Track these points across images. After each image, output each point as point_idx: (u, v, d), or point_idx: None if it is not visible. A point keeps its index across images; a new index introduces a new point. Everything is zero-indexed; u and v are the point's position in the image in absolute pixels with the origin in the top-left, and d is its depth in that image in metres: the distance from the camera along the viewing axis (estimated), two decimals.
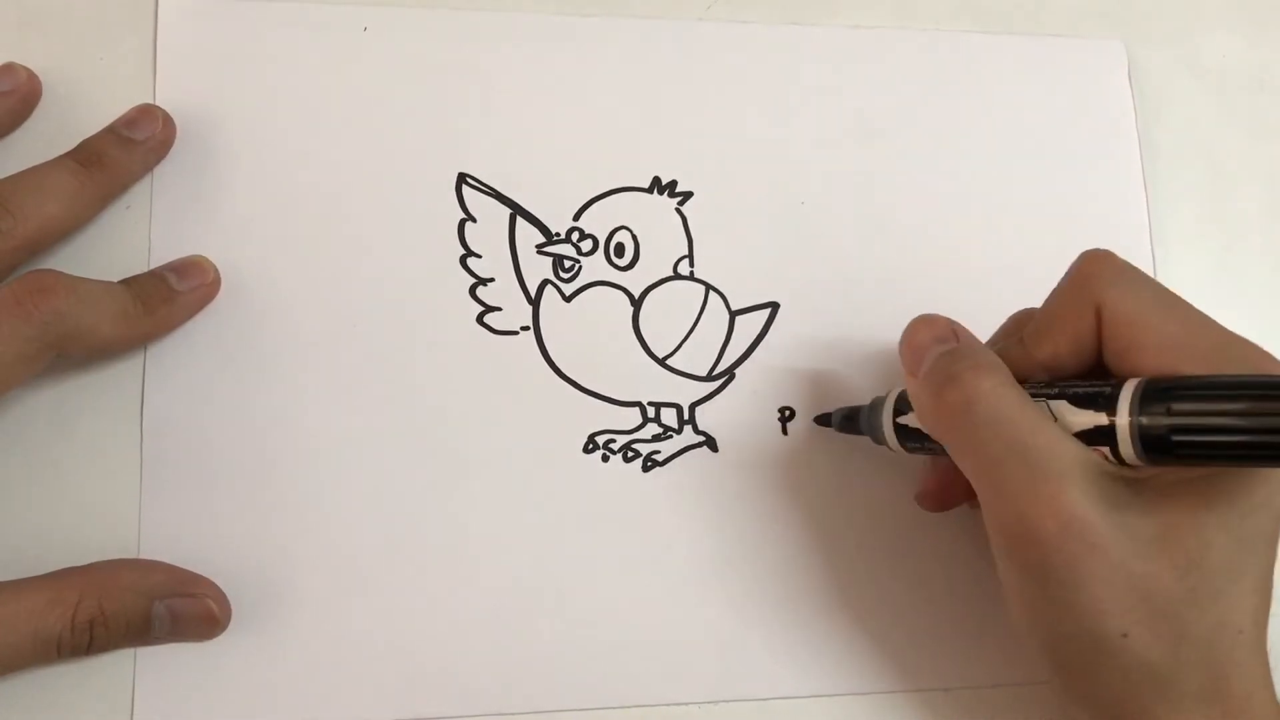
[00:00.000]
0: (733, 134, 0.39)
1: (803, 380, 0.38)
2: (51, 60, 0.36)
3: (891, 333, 0.37)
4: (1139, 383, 0.28)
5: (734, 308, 0.38)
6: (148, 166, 0.36)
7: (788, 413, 0.38)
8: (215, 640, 0.33)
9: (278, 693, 0.34)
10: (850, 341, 0.38)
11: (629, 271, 0.38)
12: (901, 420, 0.33)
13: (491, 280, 0.37)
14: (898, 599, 0.37)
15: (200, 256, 0.35)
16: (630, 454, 0.37)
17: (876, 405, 0.35)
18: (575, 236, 0.38)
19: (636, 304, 0.38)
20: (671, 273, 0.38)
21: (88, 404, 0.34)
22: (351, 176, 0.37)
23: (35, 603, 0.30)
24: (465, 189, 0.37)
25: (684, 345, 0.38)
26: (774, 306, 0.38)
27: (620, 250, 0.38)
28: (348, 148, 0.37)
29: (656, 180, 0.39)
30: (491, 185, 0.38)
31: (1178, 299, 0.30)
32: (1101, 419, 0.28)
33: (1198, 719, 0.28)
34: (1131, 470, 0.28)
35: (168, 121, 0.36)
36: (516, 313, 0.37)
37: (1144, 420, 0.27)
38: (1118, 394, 0.28)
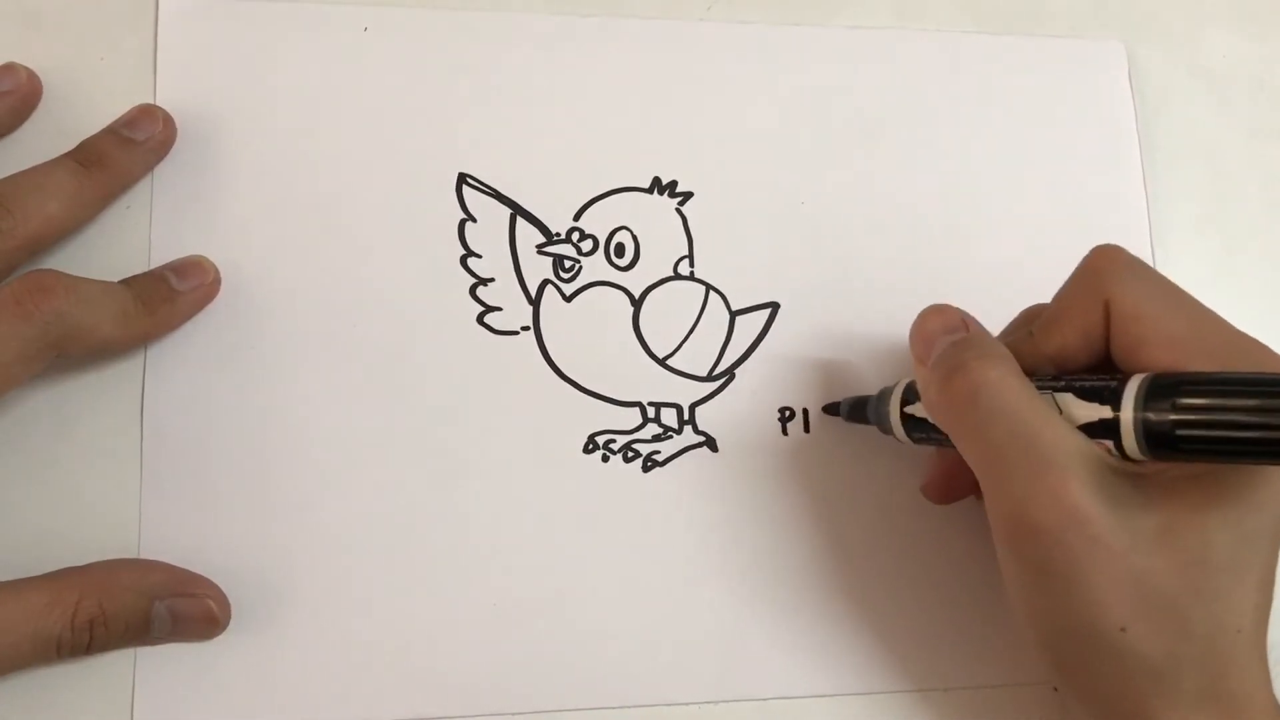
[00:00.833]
0: (733, 134, 0.39)
1: (803, 380, 0.38)
2: (52, 60, 0.36)
3: (891, 332, 0.38)
4: (1145, 378, 0.28)
5: (734, 308, 0.38)
6: (148, 166, 0.36)
7: (788, 413, 0.38)
8: (215, 640, 0.33)
9: (278, 693, 0.34)
10: (850, 341, 0.38)
11: (629, 271, 0.38)
12: (909, 410, 0.33)
13: (492, 280, 0.37)
14: (898, 599, 0.37)
15: (200, 256, 0.35)
16: (630, 454, 0.37)
17: (884, 395, 0.35)
18: (575, 236, 0.38)
19: (637, 304, 0.38)
20: (672, 273, 0.38)
21: (88, 404, 0.34)
22: (351, 176, 0.37)
23: (35, 603, 0.30)
24: (465, 189, 0.37)
25: (684, 345, 0.38)
26: (774, 306, 0.38)
27: (620, 250, 0.38)
28: (348, 148, 0.37)
29: (656, 180, 0.39)
30: (492, 185, 0.38)
31: (1186, 295, 0.30)
32: (1106, 412, 0.28)
33: (1195, 716, 0.28)
34: (1135, 465, 0.28)
35: (168, 122, 0.36)
36: (517, 313, 0.37)
37: (1148, 415, 0.27)
38: (1123, 388, 0.28)
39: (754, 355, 0.38)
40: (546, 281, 0.37)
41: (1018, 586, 0.30)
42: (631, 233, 0.38)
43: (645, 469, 0.37)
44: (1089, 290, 0.31)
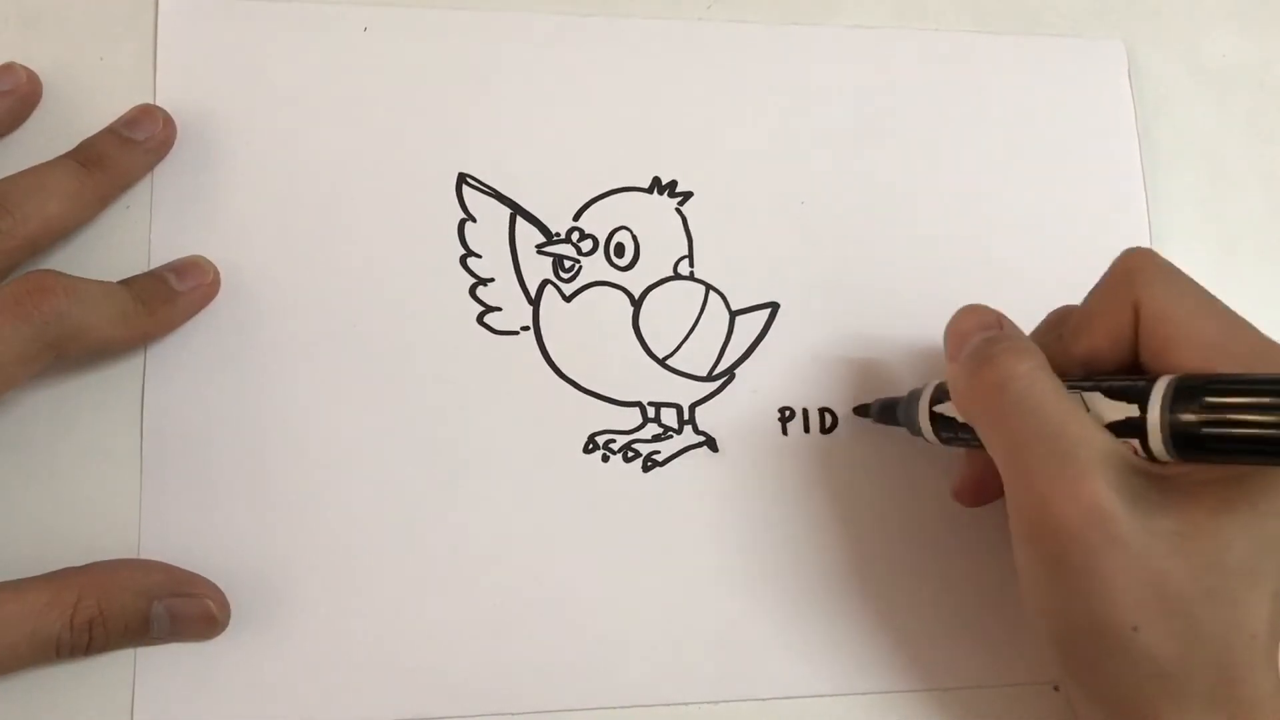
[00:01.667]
0: (733, 134, 0.39)
1: (803, 380, 0.38)
2: (52, 60, 0.36)
3: (892, 331, 0.38)
4: (1172, 378, 0.28)
5: (734, 308, 0.38)
6: (148, 167, 0.36)
7: (788, 413, 0.38)
8: (215, 640, 0.33)
9: (278, 693, 0.34)
10: (850, 341, 0.38)
11: (629, 271, 0.38)
12: (938, 409, 0.34)
13: (491, 280, 0.37)
14: (898, 599, 0.37)
15: (200, 256, 0.35)
16: (630, 454, 0.37)
17: (914, 396, 0.35)
18: (575, 236, 0.38)
19: (636, 304, 0.38)
20: (671, 273, 0.38)
21: (88, 404, 0.34)
22: (351, 176, 0.37)
23: (34, 603, 0.30)
24: (465, 189, 0.37)
25: (684, 345, 0.38)
26: (774, 306, 0.38)
27: (620, 250, 0.38)
28: (348, 148, 0.37)
29: (656, 180, 0.39)
30: (491, 185, 0.38)
31: (1216, 300, 0.30)
32: (1133, 411, 0.28)
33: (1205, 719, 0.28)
34: (1159, 467, 0.28)
35: (168, 122, 0.36)
36: (516, 313, 0.37)
37: (1175, 414, 0.27)
38: (1151, 388, 0.28)
39: (754, 355, 0.38)
40: (546, 281, 0.37)
41: (1032, 580, 0.30)
42: (631, 233, 0.38)
43: (645, 469, 0.37)
44: (1119, 293, 0.31)
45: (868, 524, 0.37)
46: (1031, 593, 0.30)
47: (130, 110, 0.36)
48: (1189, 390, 0.27)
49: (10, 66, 0.35)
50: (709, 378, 0.38)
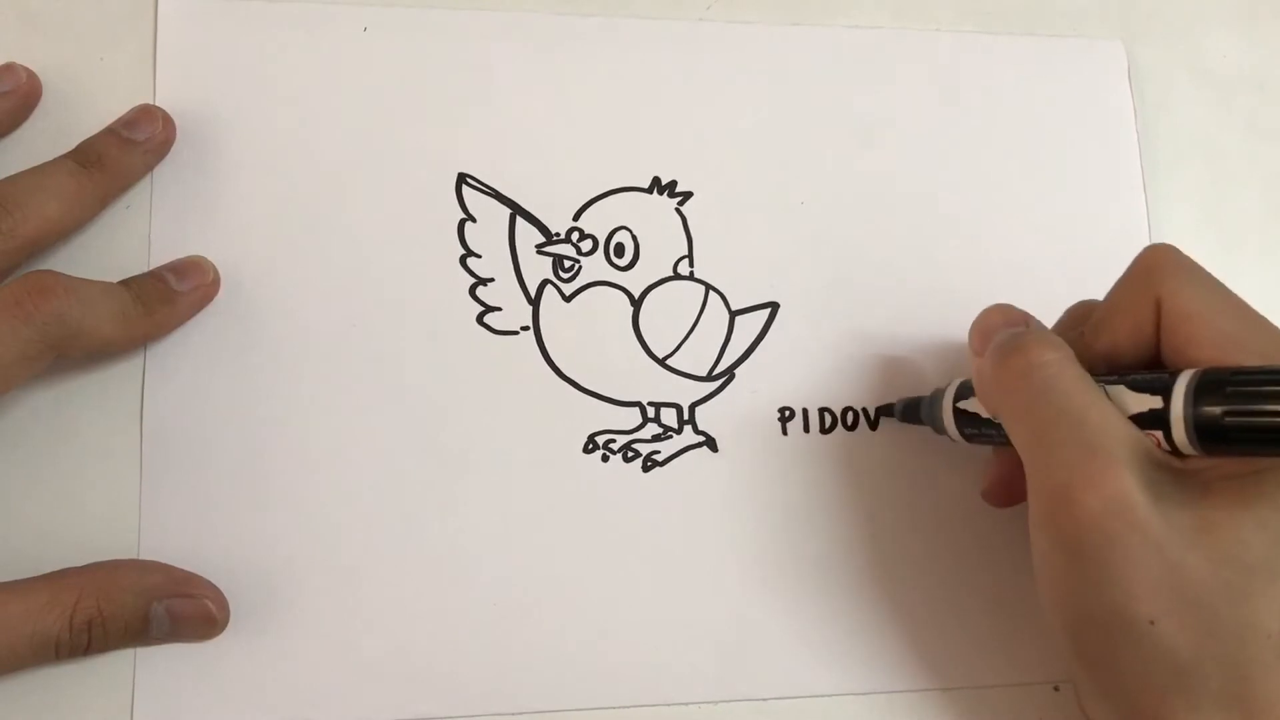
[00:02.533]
0: (733, 134, 0.39)
1: (803, 380, 0.38)
2: (51, 60, 0.36)
3: (892, 331, 0.38)
4: (1196, 371, 0.28)
5: (734, 308, 0.38)
6: (148, 167, 0.36)
7: (788, 413, 0.38)
8: (215, 640, 0.33)
9: (278, 693, 0.34)
10: (850, 341, 0.38)
11: (629, 271, 0.38)
12: (962, 405, 0.34)
13: (491, 280, 0.37)
14: (897, 599, 0.37)
15: (200, 257, 0.35)
16: (630, 454, 0.37)
17: (937, 394, 0.35)
18: (575, 236, 0.38)
19: (636, 304, 0.38)
20: (671, 273, 0.38)
21: (88, 404, 0.34)
22: (351, 176, 0.37)
23: (33, 604, 0.30)
24: (465, 189, 0.37)
25: (684, 345, 0.38)
26: (774, 306, 0.38)
27: (620, 250, 0.38)
28: (348, 148, 0.37)
29: (656, 180, 0.39)
30: (491, 185, 0.38)
31: (1237, 296, 0.31)
32: (1157, 403, 0.28)
33: (1216, 717, 0.28)
34: (1180, 461, 0.28)
35: (168, 122, 0.36)
36: (516, 313, 0.37)
37: (1199, 407, 0.27)
38: (1174, 381, 0.28)
39: (754, 355, 0.38)
40: (546, 281, 0.37)
41: (1049, 570, 0.30)
42: (631, 233, 0.38)
43: (645, 469, 0.37)
44: (1140, 288, 0.31)
45: (867, 524, 0.37)
46: (1047, 582, 0.30)
47: (130, 110, 0.36)
48: (1212, 382, 0.27)
49: (10, 66, 0.35)
50: (709, 378, 0.38)
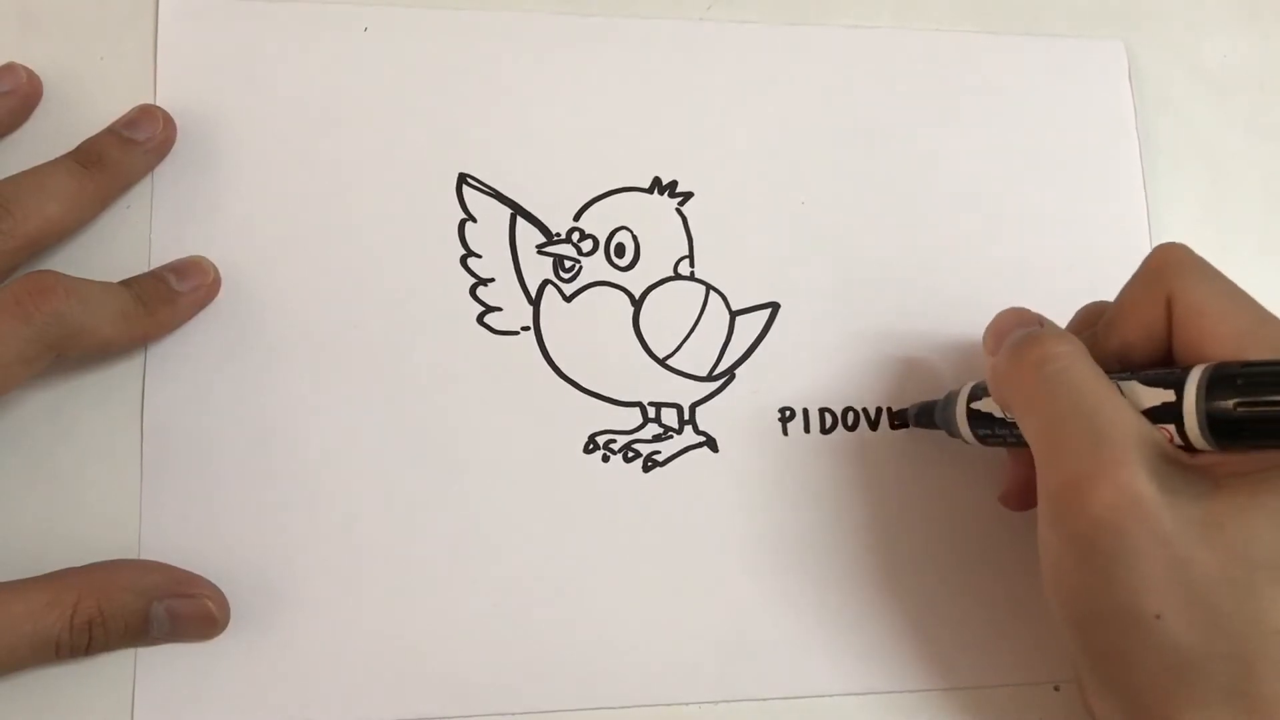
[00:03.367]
0: (733, 134, 0.39)
1: (803, 380, 0.38)
2: (52, 60, 0.36)
3: (892, 332, 0.38)
4: (1208, 365, 0.28)
5: (734, 308, 0.38)
6: (148, 167, 0.36)
7: (788, 413, 0.38)
8: (216, 640, 0.33)
9: (278, 693, 0.34)
10: (850, 341, 0.38)
11: (629, 272, 0.38)
12: (975, 405, 0.34)
13: (492, 280, 0.37)
14: (898, 599, 0.37)
15: (200, 257, 0.35)
16: (630, 454, 0.37)
17: (952, 396, 0.35)
18: (576, 236, 0.38)
19: (637, 304, 0.38)
20: (672, 273, 0.38)
21: (88, 404, 0.34)
22: (352, 176, 0.37)
23: (34, 604, 0.30)
24: (466, 189, 0.37)
25: (684, 345, 0.38)
26: (774, 306, 0.38)
27: (621, 250, 0.38)
28: (348, 148, 0.37)
29: (657, 180, 0.39)
30: (492, 185, 0.38)
31: (1247, 294, 0.31)
32: (1169, 396, 0.28)
33: (1221, 714, 0.28)
34: (1191, 456, 0.29)
35: (168, 122, 0.36)
36: (517, 313, 0.37)
37: (1212, 401, 0.27)
38: (1187, 375, 0.28)
39: (754, 355, 0.38)
40: (547, 281, 0.37)
41: (1057, 564, 0.30)
42: (632, 233, 0.38)
43: (645, 469, 0.37)
44: (1151, 286, 0.31)
45: (868, 524, 0.37)
46: (1055, 576, 0.30)
47: (130, 110, 0.36)
48: (1225, 376, 0.27)
49: (11, 66, 0.35)
50: (709, 378, 0.38)
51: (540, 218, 0.38)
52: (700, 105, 0.39)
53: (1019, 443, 0.31)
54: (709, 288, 0.38)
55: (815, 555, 0.37)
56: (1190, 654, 0.27)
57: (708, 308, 0.38)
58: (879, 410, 0.38)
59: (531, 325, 0.37)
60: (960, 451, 0.37)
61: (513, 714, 0.35)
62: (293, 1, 0.38)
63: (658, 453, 0.37)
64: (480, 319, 0.37)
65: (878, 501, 0.37)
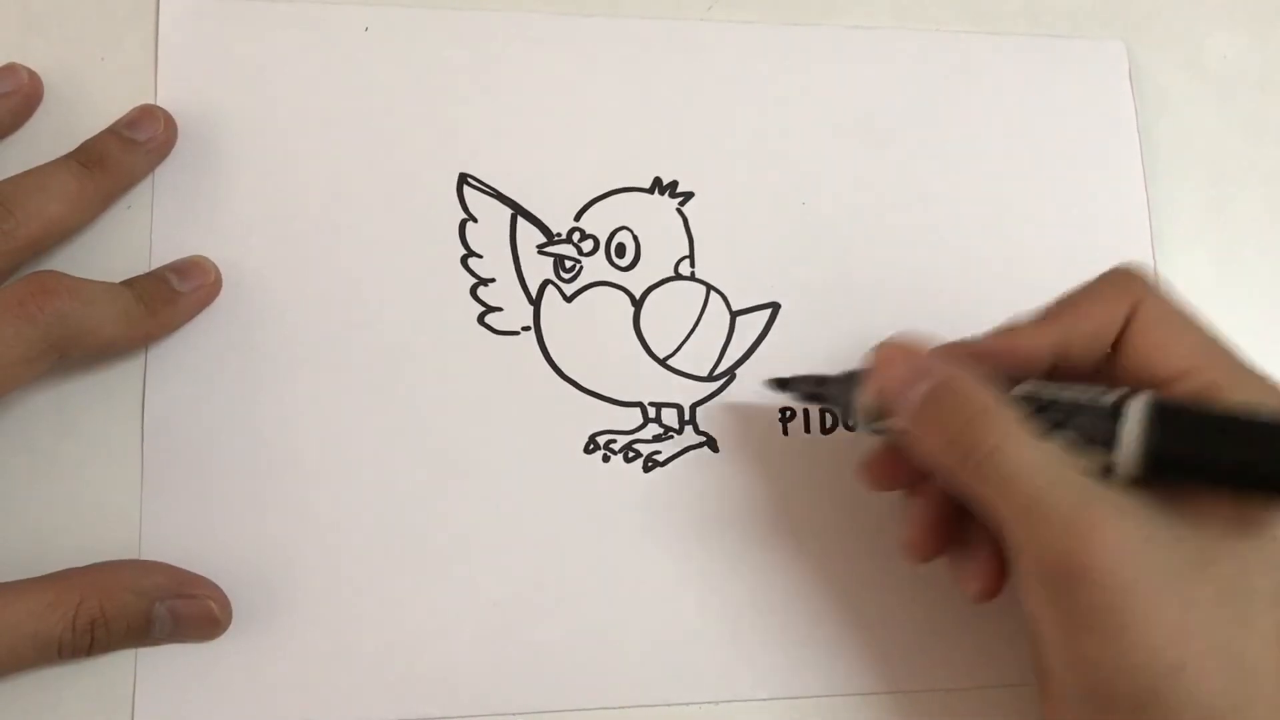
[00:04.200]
0: (733, 134, 0.39)
1: None
2: (53, 61, 0.36)
3: (892, 331, 0.37)
4: (1151, 400, 0.29)
5: (735, 308, 0.38)
6: (149, 167, 0.36)
7: (788, 413, 0.38)
8: (216, 641, 0.33)
9: (278, 693, 0.34)
10: (850, 341, 0.38)
11: (630, 272, 0.38)
12: (877, 426, 0.33)
13: (492, 280, 0.37)
14: (898, 600, 0.37)
15: (201, 257, 0.35)
16: (631, 454, 0.37)
17: (850, 380, 0.33)
18: (576, 237, 0.38)
19: (637, 304, 0.38)
20: (672, 273, 0.38)
21: (89, 404, 0.34)
22: (352, 177, 0.37)
23: (36, 604, 0.30)
24: (466, 189, 0.37)
25: (685, 345, 0.38)
26: (775, 307, 0.38)
27: (621, 250, 0.38)
28: (348, 148, 0.37)
29: (657, 180, 0.39)
30: (492, 185, 0.38)
31: (1207, 324, 0.31)
32: (1106, 458, 0.29)
33: None
34: (1159, 497, 0.28)
35: (169, 122, 0.36)
36: (517, 313, 0.37)
37: (1153, 439, 0.28)
38: (1124, 406, 0.29)
39: (754, 355, 0.38)
40: (547, 281, 0.37)
41: (1061, 642, 0.29)
42: (632, 233, 0.38)
43: (646, 469, 0.37)
44: (1119, 288, 0.31)
45: (867, 525, 0.37)
46: (1059, 651, 0.29)
47: (131, 111, 0.36)
48: (1168, 412, 0.28)
49: (12, 67, 0.35)
50: (710, 378, 0.38)
51: (541, 218, 0.38)
52: (701, 105, 0.39)
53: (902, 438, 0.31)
54: (709, 288, 0.38)
55: (815, 555, 0.37)
56: (1220, 701, 0.27)
57: (708, 308, 0.38)
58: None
59: (532, 325, 0.37)
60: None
61: (512, 714, 0.35)
62: (293, 1, 0.38)
63: (658, 453, 0.37)
64: (481, 319, 0.37)
65: (879, 502, 0.37)
